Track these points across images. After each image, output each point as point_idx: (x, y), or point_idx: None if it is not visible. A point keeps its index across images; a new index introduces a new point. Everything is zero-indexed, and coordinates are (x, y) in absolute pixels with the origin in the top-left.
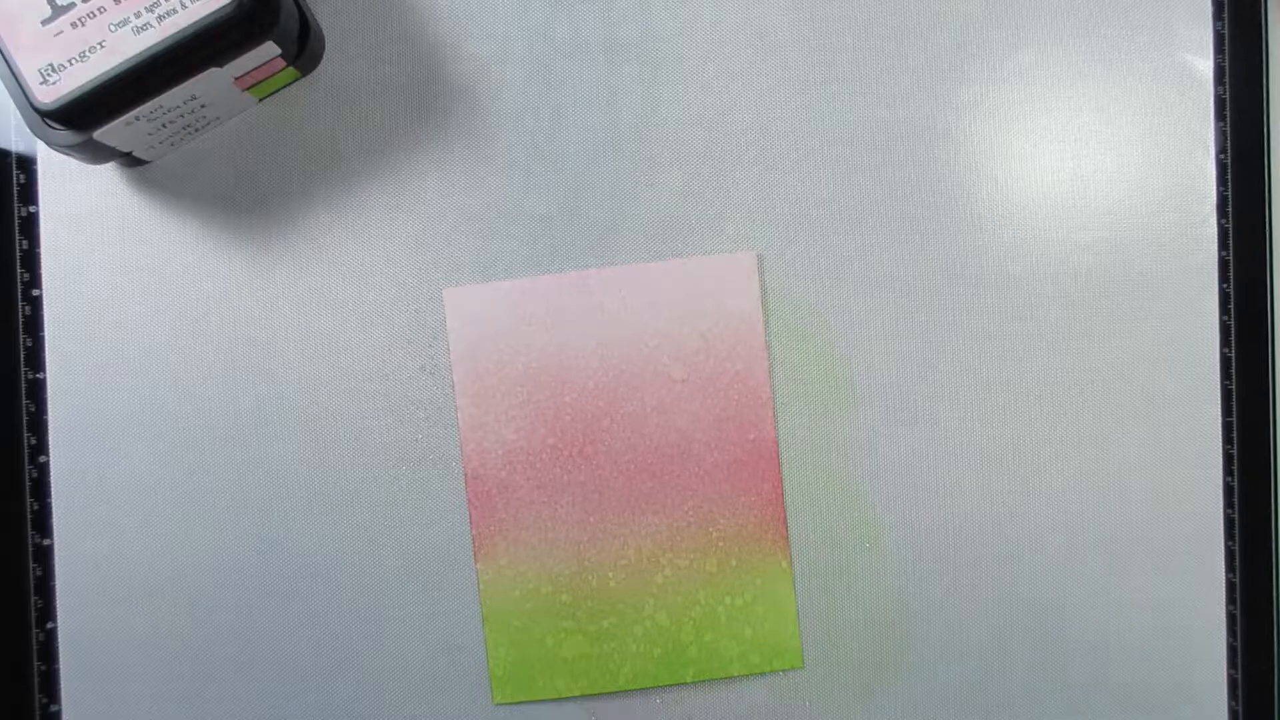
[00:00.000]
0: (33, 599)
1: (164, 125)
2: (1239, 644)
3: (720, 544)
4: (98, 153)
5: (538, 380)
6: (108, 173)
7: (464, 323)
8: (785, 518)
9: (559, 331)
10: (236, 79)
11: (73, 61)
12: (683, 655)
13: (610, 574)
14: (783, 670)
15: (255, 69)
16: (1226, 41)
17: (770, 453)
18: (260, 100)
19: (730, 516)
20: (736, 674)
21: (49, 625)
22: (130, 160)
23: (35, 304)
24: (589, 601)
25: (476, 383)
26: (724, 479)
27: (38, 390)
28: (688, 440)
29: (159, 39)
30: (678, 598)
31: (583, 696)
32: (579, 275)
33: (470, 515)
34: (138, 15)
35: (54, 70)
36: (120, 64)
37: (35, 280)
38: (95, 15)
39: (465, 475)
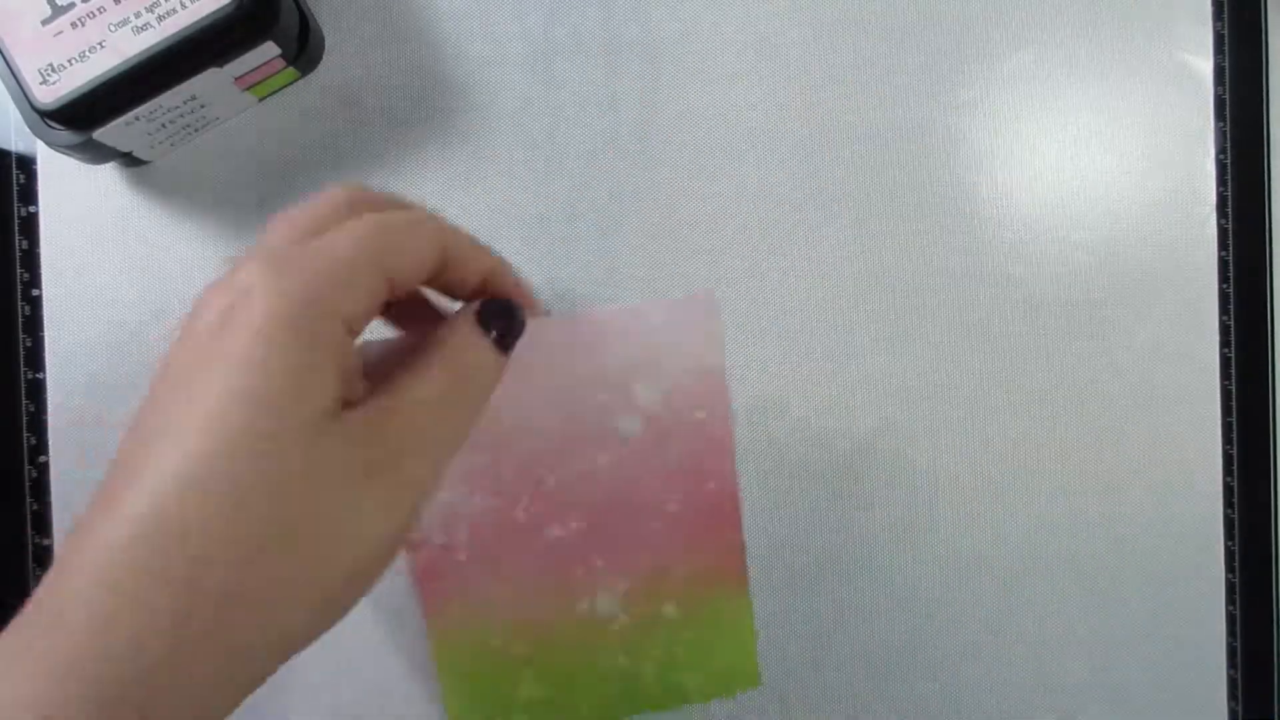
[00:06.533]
0: None
1: (164, 125)
2: (1239, 644)
3: (679, 590)
4: (98, 153)
5: (477, 437)
6: (108, 173)
7: None
8: (744, 562)
9: (505, 382)
10: (236, 79)
11: (73, 61)
12: (643, 691)
13: (566, 627)
14: (742, 691)
15: (255, 69)
16: (1226, 41)
17: (732, 502)
18: (260, 100)
19: (688, 565)
20: (696, 702)
21: None
22: (130, 160)
23: (35, 304)
24: (545, 652)
25: None
26: (682, 530)
27: (38, 390)
28: (642, 493)
29: (159, 39)
30: (636, 641)
31: None
32: (531, 324)
33: (417, 579)
34: (138, 15)
35: (54, 70)
36: (120, 64)
37: (35, 280)
38: (95, 15)
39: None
